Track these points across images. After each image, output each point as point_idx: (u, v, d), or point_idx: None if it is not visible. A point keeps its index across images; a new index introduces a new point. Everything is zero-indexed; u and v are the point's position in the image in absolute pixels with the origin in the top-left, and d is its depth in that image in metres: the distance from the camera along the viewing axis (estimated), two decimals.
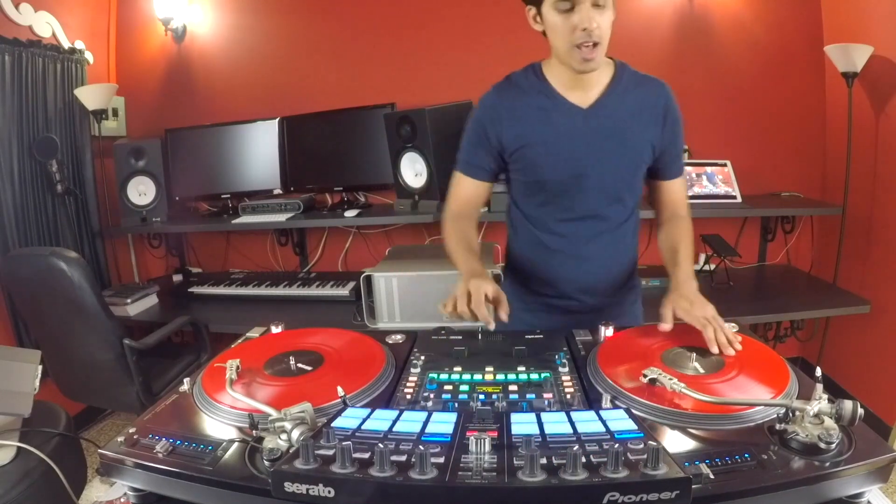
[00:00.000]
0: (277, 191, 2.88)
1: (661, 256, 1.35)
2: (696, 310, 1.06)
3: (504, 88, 1.31)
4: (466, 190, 1.38)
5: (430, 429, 0.68)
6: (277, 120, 2.84)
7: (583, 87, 1.25)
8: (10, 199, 2.41)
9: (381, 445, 0.60)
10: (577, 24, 1.13)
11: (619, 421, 0.68)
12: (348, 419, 0.71)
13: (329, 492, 0.58)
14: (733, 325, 1.10)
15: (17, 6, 2.43)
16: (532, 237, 1.38)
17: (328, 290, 2.60)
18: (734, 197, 2.60)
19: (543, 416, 0.71)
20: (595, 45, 1.15)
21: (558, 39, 1.18)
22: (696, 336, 1.04)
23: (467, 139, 1.35)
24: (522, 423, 0.69)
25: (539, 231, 1.36)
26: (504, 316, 1.12)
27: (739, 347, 0.98)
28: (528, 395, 0.87)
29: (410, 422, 0.70)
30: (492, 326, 1.10)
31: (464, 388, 0.91)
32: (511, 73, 1.33)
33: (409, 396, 0.90)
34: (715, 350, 0.98)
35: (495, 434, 0.66)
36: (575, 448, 0.57)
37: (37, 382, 1.31)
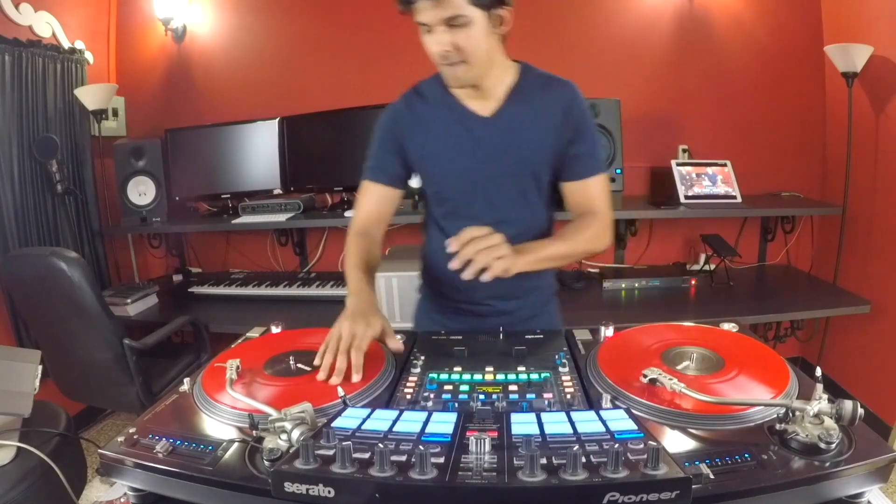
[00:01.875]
0: (277, 191, 2.88)
1: None
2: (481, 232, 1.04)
3: (410, 98, 1.31)
4: (374, 199, 1.34)
5: (430, 429, 0.68)
6: (277, 120, 2.84)
7: (482, 95, 1.24)
8: (10, 199, 2.41)
9: (381, 445, 0.60)
10: (430, 47, 1.13)
11: (619, 421, 0.68)
12: (348, 419, 0.71)
13: (329, 492, 0.58)
14: (733, 325, 1.10)
15: (17, 6, 2.43)
16: (441, 244, 1.34)
17: (328, 290, 2.60)
18: (734, 197, 2.60)
19: (543, 416, 0.71)
20: (461, 62, 1.13)
21: (431, 58, 1.17)
22: (696, 336, 1.04)
23: (375, 145, 1.34)
24: (522, 423, 0.69)
25: (446, 238, 1.35)
26: (396, 346, 1.07)
27: (339, 380, 0.92)
28: (529, 395, 0.87)
29: (410, 422, 0.70)
30: (357, 378, 0.94)
31: (464, 388, 0.91)
32: (420, 82, 1.33)
33: (409, 396, 0.90)
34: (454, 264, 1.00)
35: (495, 434, 0.66)
36: (575, 448, 0.57)
37: (37, 382, 1.31)
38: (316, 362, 0.98)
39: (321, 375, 0.95)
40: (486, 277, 1.02)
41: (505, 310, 1.37)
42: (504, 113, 1.25)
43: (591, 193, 1.30)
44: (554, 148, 1.27)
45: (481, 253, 1.03)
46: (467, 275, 1.01)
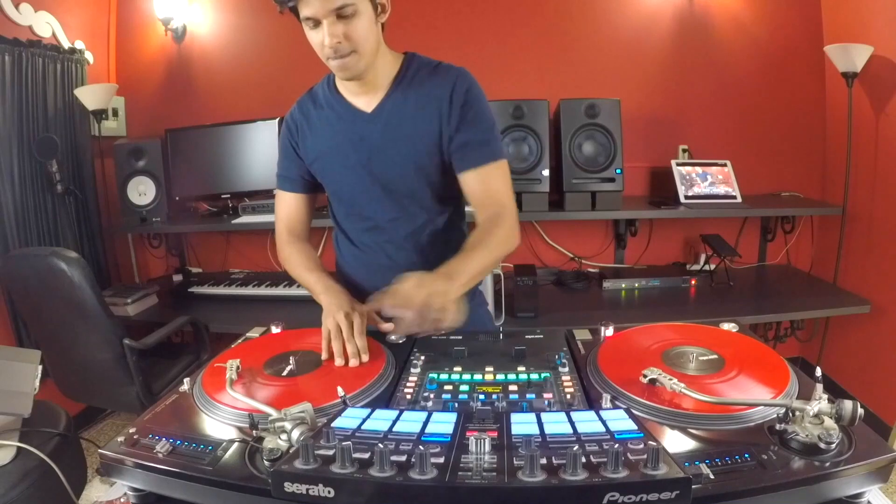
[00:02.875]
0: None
1: None
2: (409, 287, 1.00)
3: (303, 102, 1.32)
4: (289, 207, 1.36)
5: (430, 429, 0.68)
6: (277, 120, 2.84)
7: (366, 90, 1.23)
8: (10, 199, 2.41)
9: (381, 445, 0.60)
10: (323, 41, 1.11)
11: (619, 421, 0.68)
12: (348, 419, 0.71)
13: (329, 492, 0.58)
14: (733, 325, 1.10)
15: (17, 6, 2.43)
16: (347, 248, 1.37)
17: None
18: (734, 197, 2.60)
19: (543, 416, 0.71)
20: (352, 52, 1.12)
21: (316, 52, 1.16)
22: (696, 336, 1.04)
23: (280, 154, 1.36)
24: (522, 423, 0.69)
25: (351, 242, 1.36)
26: (387, 327, 1.11)
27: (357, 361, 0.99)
28: (528, 395, 0.87)
29: (410, 422, 0.70)
30: (365, 359, 1.01)
31: (464, 388, 0.90)
32: (314, 85, 1.33)
33: (409, 396, 0.90)
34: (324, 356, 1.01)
35: (495, 434, 0.66)
36: (575, 448, 0.57)
37: (37, 382, 1.31)
38: (324, 356, 1.03)
39: (338, 360, 1.01)
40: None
41: None
42: (385, 106, 1.23)
43: (490, 184, 1.21)
44: (438, 136, 1.21)
45: (425, 328, 1.00)
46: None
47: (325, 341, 1.05)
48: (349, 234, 1.36)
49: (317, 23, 1.09)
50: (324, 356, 1.03)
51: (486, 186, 1.21)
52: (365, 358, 1.02)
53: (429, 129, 1.22)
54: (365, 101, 1.25)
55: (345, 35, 1.10)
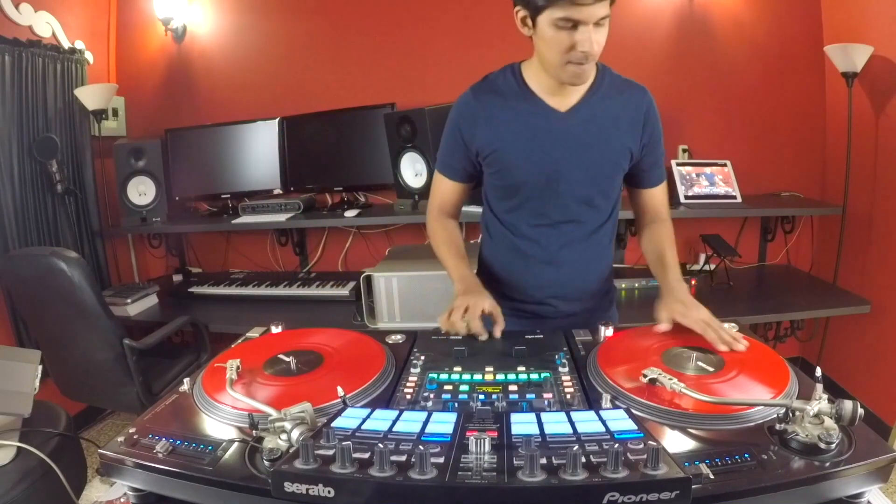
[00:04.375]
0: (277, 191, 2.88)
1: (646, 259, 1.36)
2: (692, 312, 1.07)
3: (481, 90, 1.30)
4: (445, 190, 1.39)
5: (429, 429, 0.68)
6: (277, 120, 2.84)
7: (563, 91, 1.24)
8: (10, 199, 2.41)
9: (380, 445, 0.60)
10: (576, 44, 1.09)
11: (619, 421, 0.68)
12: (348, 419, 0.71)
13: (329, 492, 0.58)
14: (733, 324, 1.10)
15: (17, 6, 2.43)
16: (505, 241, 1.37)
17: (328, 290, 2.60)
18: (734, 197, 2.60)
19: (543, 416, 0.71)
20: (591, 60, 1.14)
21: (552, 53, 1.14)
22: (696, 336, 1.04)
23: (444, 140, 1.35)
24: (522, 423, 0.69)
25: (512, 235, 1.35)
26: (499, 332, 1.14)
27: (746, 343, 0.99)
28: (528, 395, 0.87)
29: (410, 422, 0.70)
30: (484, 337, 1.12)
31: (464, 388, 0.91)
32: (489, 74, 1.32)
33: (409, 396, 0.90)
34: (723, 348, 0.98)
35: (495, 434, 0.66)
36: (575, 448, 0.57)
37: (37, 382, 1.31)
38: (444, 321, 1.14)
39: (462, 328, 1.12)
40: (739, 347, 1.00)
41: (568, 312, 1.37)
42: (581, 109, 1.24)
43: (659, 200, 1.37)
44: (629, 151, 1.28)
45: (720, 331, 1.02)
46: (739, 347, 1.00)
47: (444, 319, 1.14)
48: (513, 227, 1.35)
49: (575, 25, 1.07)
50: (443, 321, 1.15)
51: (657, 202, 1.37)
52: (483, 336, 1.12)
53: (621, 140, 1.27)
54: (558, 101, 1.24)
55: (599, 43, 1.11)
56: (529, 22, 1.14)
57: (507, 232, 1.36)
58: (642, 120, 1.27)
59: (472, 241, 2.33)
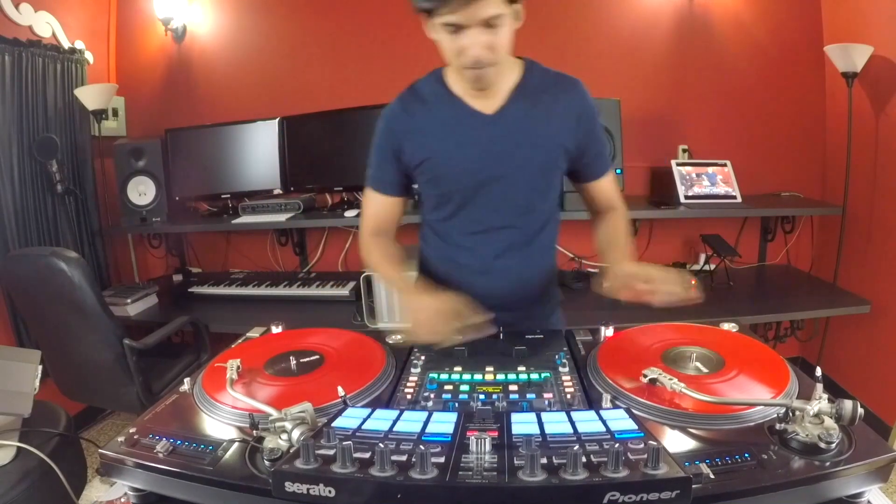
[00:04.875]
0: (277, 191, 2.88)
1: (598, 249, 1.32)
2: (640, 271, 1.07)
3: (407, 99, 1.26)
4: (379, 206, 1.32)
5: (430, 429, 0.68)
6: (277, 120, 2.84)
7: (488, 94, 1.19)
8: (10, 199, 2.41)
9: (381, 445, 0.60)
10: (463, 49, 1.06)
11: (620, 421, 0.68)
12: (349, 419, 0.71)
13: (330, 492, 0.58)
14: (733, 325, 1.11)
15: (17, 6, 2.43)
16: (441, 251, 1.33)
17: (328, 290, 2.60)
18: (734, 197, 2.60)
19: (544, 415, 0.71)
20: (491, 64, 1.09)
21: (449, 58, 1.11)
22: (696, 336, 1.04)
23: (374, 154, 1.30)
24: (523, 423, 0.69)
25: (447, 245, 1.32)
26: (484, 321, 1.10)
27: (697, 295, 1.02)
28: (529, 395, 0.87)
29: (411, 422, 0.70)
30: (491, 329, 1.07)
31: (464, 388, 0.91)
32: (415, 82, 1.28)
33: (409, 396, 0.90)
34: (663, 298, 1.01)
35: (496, 434, 0.66)
36: (575, 448, 0.57)
37: (37, 382, 1.31)
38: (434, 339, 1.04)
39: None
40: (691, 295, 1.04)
41: (505, 321, 1.32)
42: (508, 111, 1.20)
43: (609, 190, 1.35)
44: (564, 149, 1.24)
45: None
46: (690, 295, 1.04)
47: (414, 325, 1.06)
48: (448, 235, 1.31)
49: (458, 28, 1.04)
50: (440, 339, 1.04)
51: (609, 192, 1.35)
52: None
53: (555, 137, 1.22)
54: (483, 103, 1.20)
55: (489, 46, 1.06)
56: (429, 27, 1.10)
57: (441, 241, 1.33)
58: (576, 114, 1.22)
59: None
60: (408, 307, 1.12)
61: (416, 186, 1.33)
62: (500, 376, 0.94)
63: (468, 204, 1.26)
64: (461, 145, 1.21)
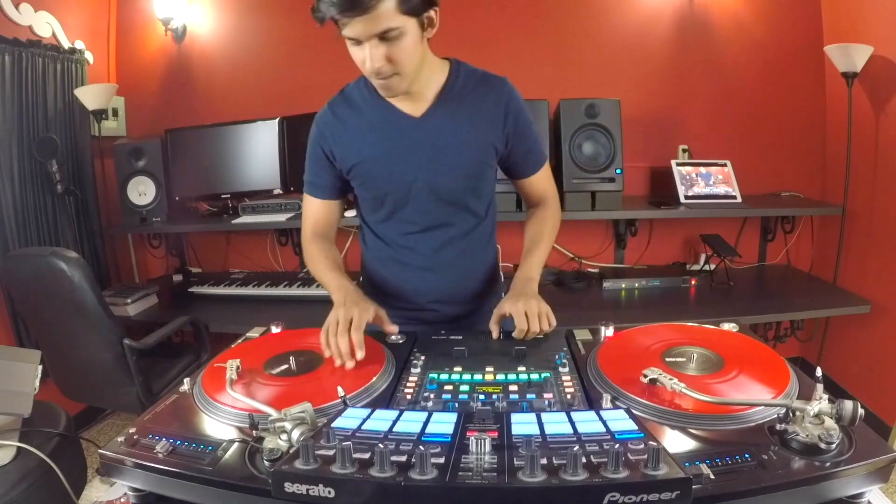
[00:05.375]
0: (277, 191, 2.88)
1: (524, 244, 1.34)
2: (520, 302, 1.11)
3: (337, 104, 1.28)
4: (317, 211, 1.34)
5: (430, 429, 0.68)
6: (277, 120, 2.84)
7: (415, 97, 1.21)
8: (10, 199, 2.41)
9: (381, 446, 0.60)
10: (363, 60, 1.07)
11: (620, 421, 0.68)
12: (348, 419, 0.71)
13: (329, 492, 0.58)
14: (733, 325, 1.10)
15: (17, 6, 2.43)
16: (381, 251, 1.35)
17: None
18: (734, 197, 2.60)
19: (544, 416, 0.71)
20: (394, 74, 1.10)
21: (358, 67, 1.12)
22: (696, 336, 1.04)
23: (309, 160, 1.31)
24: (523, 424, 0.69)
25: (388, 246, 1.34)
26: (391, 329, 1.14)
27: (540, 329, 1.09)
28: (529, 396, 0.87)
29: (411, 422, 0.70)
30: (360, 355, 1.00)
31: (464, 388, 0.91)
32: (345, 87, 1.29)
33: (409, 397, 0.90)
34: (520, 336, 1.08)
35: (495, 434, 0.66)
36: (575, 448, 0.57)
37: (37, 382, 1.31)
38: (326, 354, 1.02)
39: (337, 361, 1.00)
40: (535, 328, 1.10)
41: (451, 314, 1.35)
42: (435, 113, 1.22)
43: (542, 185, 1.37)
44: (493, 147, 1.25)
45: (531, 321, 1.10)
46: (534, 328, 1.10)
47: (324, 337, 1.04)
48: (386, 237, 1.34)
49: (357, 41, 1.05)
50: (325, 353, 1.03)
51: (542, 187, 1.37)
52: (360, 355, 1.00)
53: (483, 137, 1.24)
54: (411, 106, 1.22)
55: (387, 58, 1.06)
56: None
57: (381, 241, 1.35)
58: (503, 112, 1.23)
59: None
60: (334, 307, 1.13)
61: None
62: (500, 376, 0.94)
63: (402, 205, 1.28)
64: (390, 148, 1.23)
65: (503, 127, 1.24)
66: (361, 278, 1.45)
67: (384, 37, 1.03)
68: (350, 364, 0.99)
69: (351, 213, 1.69)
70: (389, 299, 1.35)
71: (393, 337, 1.15)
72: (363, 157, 1.25)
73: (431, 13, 1.10)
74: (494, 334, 1.14)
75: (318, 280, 1.29)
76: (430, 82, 1.21)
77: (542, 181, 1.36)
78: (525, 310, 1.10)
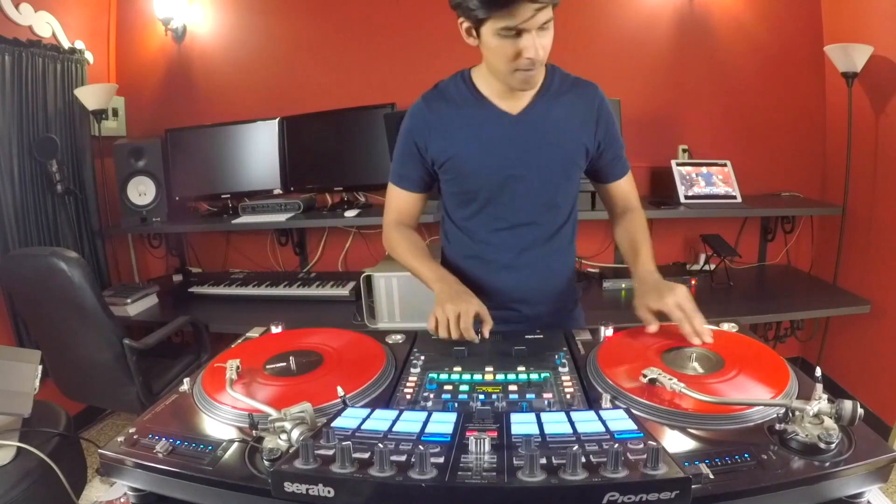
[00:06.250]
0: (277, 191, 2.88)
1: (621, 251, 1.37)
2: (667, 297, 1.10)
3: (433, 99, 1.29)
4: (401, 201, 1.37)
5: (429, 429, 0.68)
6: (277, 120, 2.84)
7: (514, 94, 1.23)
8: (10, 199, 2.41)
9: (380, 445, 0.60)
10: (521, 51, 1.08)
11: (619, 421, 0.68)
12: (348, 419, 0.71)
13: (329, 492, 0.58)
14: (733, 325, 1.11)
15: (17, 6, 2.44)
16: (466, 248, 1.36)
17: (328, 290, 2.60)
18: (734, 197, 2.60)
19: (543, 416, 0.71)
20: (538, 65, 1.12)
21: (499, 62, 1.13)
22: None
23: (398, 151, 1.33)
24: (522, 423, 0.69)
25: (472, 241, 1.35)
26: (487, 331, 1.14)
27: (710, 340, 1.03)
28: (528, 395, 0.87)
29: (410, 422, 0.70)
30: (477, 340, 1.10)
31: (464, 388, 0.91)
32: (439, 82, 1.32)
33: (408, 396, 0.90)
34: (696, 341, 1.02)
35: (495, 434, 0.66)
36: (575, 448, 0.57)
37: (37, 382, 1.31)
38: (436, 329, 1.11)
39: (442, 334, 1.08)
40: (706, 340, 1.05)
41: (531, 315, 1.36)
42: (532, 110, 1.24)
43: (627, 191, 1.39)
44: (585, 148, 1.28)
45: (693, 321, 1.07)
46: (706, 340, 1.05)
47: (432, 323, 1.11)
48: (473, 231, 1.34)
49: (519, 32, 1.06)
50: (435, 328, 1.10)
51: (628, 193, 1.39)
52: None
53: (576, 138, 1.27)
54: (509, 104, 1.24)
55: (545, 48, 1.10)
56: (474, 32, 1.12)
57: (466, 238, 1.35)
58: (595, 116, 1.27)
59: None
60: (437, 299, 1.17)
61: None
62: (500, 376, 0.94)
63: (492, 201, 1.29)
64: (486, 144, 1.25)
65: (595, 130, 1.27)
66: None
67: (543, 26, 1.07)
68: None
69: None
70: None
71: (393, 337, 1.16)
72: (458, 152, 1.26)
73: None
74: (654, 328, 1.12)
75: (405, 266, 1.32)
76: None
77: (626, 187, 1.38)
78: (674, 301, 1.09)
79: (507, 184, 1.27)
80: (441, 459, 0.60)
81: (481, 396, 0.87)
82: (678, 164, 2.64)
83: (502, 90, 1.23)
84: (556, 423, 0.68)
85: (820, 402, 0.72)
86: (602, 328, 1.11)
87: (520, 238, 1.32)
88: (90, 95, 2.67)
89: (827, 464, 0.68)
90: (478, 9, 1.05)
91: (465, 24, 1.13)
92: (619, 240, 1.37)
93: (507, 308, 1.35)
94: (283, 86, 3.01)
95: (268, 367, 0.99)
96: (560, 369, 0.96)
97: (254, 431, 0.74)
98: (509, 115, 1.24)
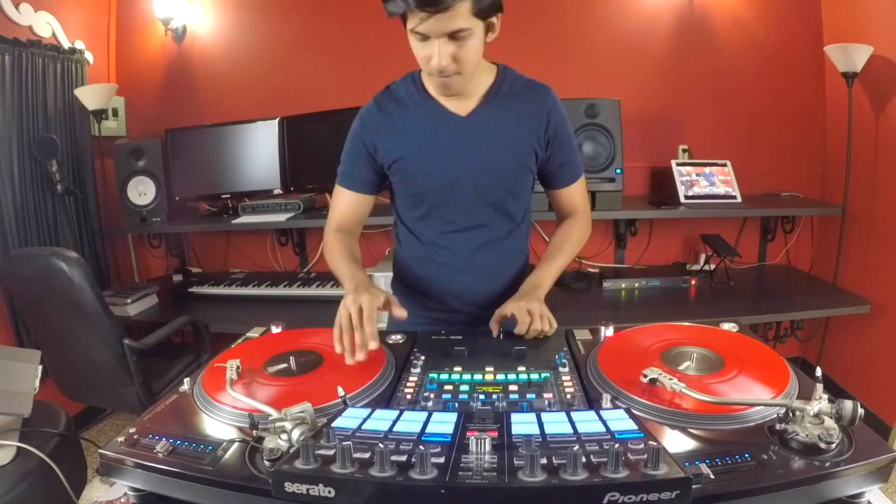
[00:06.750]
0: (277, 191, 2.88)
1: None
2: (523, 304, 1.12)
3: (383, 100, 1.29)
4: (347, 203, 1.35)
5: (430, 429, 0.68)
6: (277, 120, 2.84)
7: (462, 96, 1.23)
8: (10, 199, 2.41)
9: (381, 445, 0.60)
10: (428, 57, 1.09)
11: (620, 421, 0.68)
12: (348, 419, 0.71)
13: (329, 492, 0.58)
14: (733, 325, 1.10)
15: (17, 6, 2.43)
16: (416, 249, 1.35)
17: (328, 290, 2.60)
18: (734, 197, 2.60)
19: (543, 416, 0.71)
20: (456, 74, 1.12)
21: (418, 63, 1.15)
22: (696, 336, 1.04)
23: (347, 151, 1.33)
24: (522, 423, 0.69)
25: (422, 243, 1.34)
26: (400, 313, 1.12)
27: (541, 329, 1.10)
28: (529, 395, 0.87)
29: (411, 422, 0.70)
30: (373, 345, 1.01)
31: (464, 388, 0.91)
32: (391, 84, 1.31)
33: (409, 396, 0.90)
34: (530, 336, 1.09)
35: (495, 434, 0.66)
36: (575, 448, 0.57)
37: (37, 382, 1.31)
38: (337, 350, 1.01)
39: (347, 360, 1.00)
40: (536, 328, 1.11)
41: (483, 317, 1.33)
42: (481, 113, 1.24)
43: (575, 197, 1.37)
44: (533, 151, 1.27)
45: (534, 322, 1.11)
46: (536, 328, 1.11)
47: (336, 331, 1.03)
48: (422, 234, 1.34)
49: (425, 37, 1.07)
50: (337, 349, 1.01)
51: (574, 200, 1.37)
52: (373, 345, 1.00)
53: (525, 141, 1.26)
54: (457, 105, 1.24)
55: (454, 56, 1.08)
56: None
57: (417, 240, 1.35)
58: (545, 119, 1.25)
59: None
60: (345, 295, 1.11)
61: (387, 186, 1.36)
62: (500, 376, 0.94)
63: (441, 203, 1.29)
64: (435, 145, 1.24)
65: (545, 133, 1.26)
66: (392, 278, 1.46)
67: (454, 36, 1.06)
68: (361, 356, 0.99)
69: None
70: (421, 299, 1.36)
71: (393, 337, 1.16)
72: (407, 153, 1.26)
73: (495, 19, 1.12)
74: (494, 333, 1.15)
75: (332, 271, 1.28)
76: (478, 83, 1.24)
77: (574, 194, 1.37)
78: (528, 308, 1.11)
79: (455, 186, 1.26)
80: (441, 459, 0.60)
81: (482, 396, 0.87)
82: (678, 164, 2.64)
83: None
84: (556, 423, 0.68)
85: (820, 402, 0.72)
86: (602, 328, 1.11)
87: (470, 240, 1.31)
88: (90, 95, 2.67)
89: (827, 464, 0.68)
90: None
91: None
92: (549, 242, 1.36)
93: (459, 311, 1.35)
94: (283, 86, 3.01)
95: (268, 367, 0.99)
96: (560, 369, 0.97)
97: (254, 431, 0.74)
98: (458, 116, 1.23)
